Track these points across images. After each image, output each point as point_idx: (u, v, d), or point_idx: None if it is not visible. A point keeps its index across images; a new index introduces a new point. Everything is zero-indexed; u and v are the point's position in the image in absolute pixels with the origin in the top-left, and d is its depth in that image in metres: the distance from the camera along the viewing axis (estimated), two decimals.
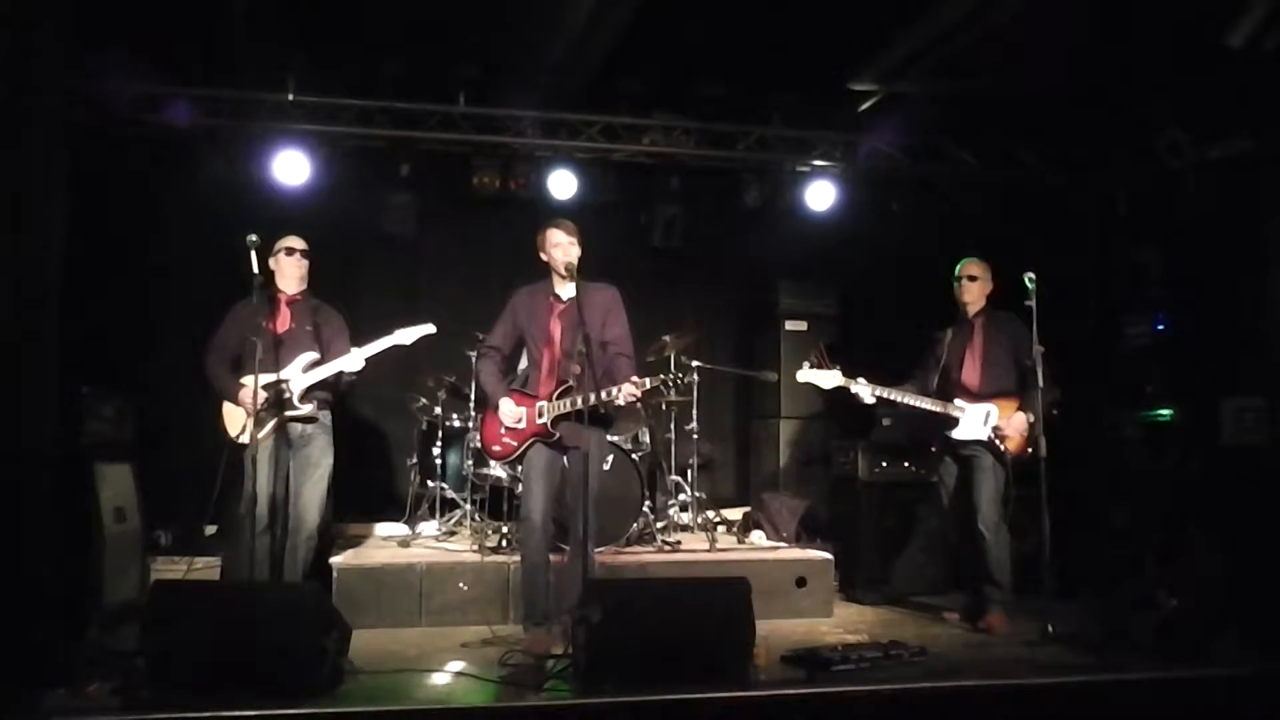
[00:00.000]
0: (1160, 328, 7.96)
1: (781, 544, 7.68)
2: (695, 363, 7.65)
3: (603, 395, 5.26)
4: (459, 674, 4.98)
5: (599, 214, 8.57)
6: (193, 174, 7.83)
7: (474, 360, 5.80)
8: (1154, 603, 5.60)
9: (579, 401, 5.35)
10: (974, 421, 6.26)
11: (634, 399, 5.36)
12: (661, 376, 5.42)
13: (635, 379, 5.32)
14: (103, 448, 6.02)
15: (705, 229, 9.15)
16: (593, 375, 5.26)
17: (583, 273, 5.58)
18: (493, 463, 7.45)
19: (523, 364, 5.93)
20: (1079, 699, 4.79)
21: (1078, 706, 4.76)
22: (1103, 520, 7.53)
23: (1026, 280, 5.96)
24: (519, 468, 7.04)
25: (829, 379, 6.21)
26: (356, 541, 7.53)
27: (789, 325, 9.13)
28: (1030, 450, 6.07)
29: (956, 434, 6.30)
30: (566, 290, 5.61)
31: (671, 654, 4.57)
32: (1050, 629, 5.69)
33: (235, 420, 5.80)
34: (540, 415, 5.53)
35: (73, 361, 6.11)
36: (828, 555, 6.95)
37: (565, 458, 5.64)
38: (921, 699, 4.66)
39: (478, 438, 7.38)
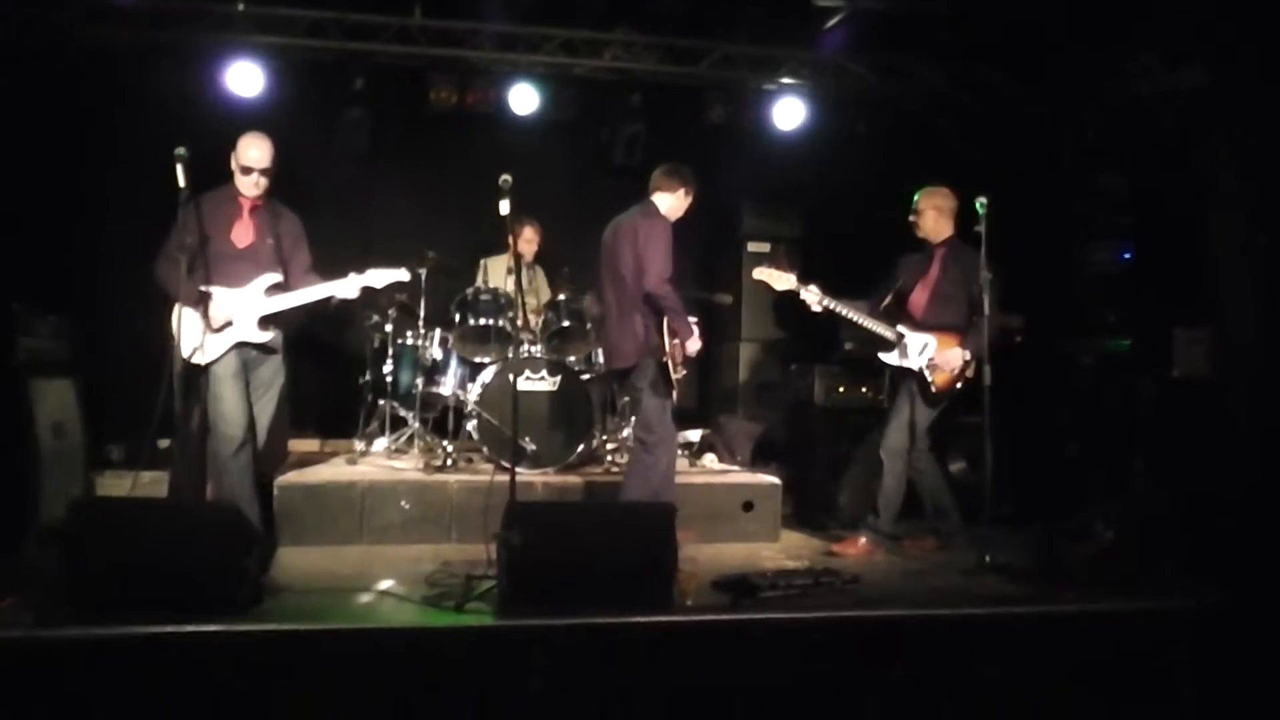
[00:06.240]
0: (1126, 256, 7.85)
1: (733, 468, 7.66)
2: None
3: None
4: (383, 593, 4.95)
5: (559, 130, 8.43)
6: (139, 88, 7.65)
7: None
8: (1091, 534, 5.60)
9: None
10: (911, 350, 6.22)
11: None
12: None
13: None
14: (39, 364, 5.93)
15: (668, 147, 8.89)
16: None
17: (542, 190, 5.52)
18: (442, 381, 7.39)
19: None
20: (1008, 631, 4.77)
21: (1006, 638, 4.74)
22: (1056, 450, 7.50)
23: (978, 205, 5.85)
24: (469, 388, 7.03)
25: (782, 281, 6.16)
26: (307, 458, 7.47)
27: (751, 246, 9.06)
28: (958, 387, 6.06)
29: (888, 358, 6.30)
30: None
31: (594, 577, 4.56)
32: (987, 559, 5.66)
33: (189, 337, 5.48)
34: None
35: (5, 280, 6.04)
36: (775, 480, 6.90)
37: None
38: (846, 626, 4.65)
39: (433, 354, 7.35)
